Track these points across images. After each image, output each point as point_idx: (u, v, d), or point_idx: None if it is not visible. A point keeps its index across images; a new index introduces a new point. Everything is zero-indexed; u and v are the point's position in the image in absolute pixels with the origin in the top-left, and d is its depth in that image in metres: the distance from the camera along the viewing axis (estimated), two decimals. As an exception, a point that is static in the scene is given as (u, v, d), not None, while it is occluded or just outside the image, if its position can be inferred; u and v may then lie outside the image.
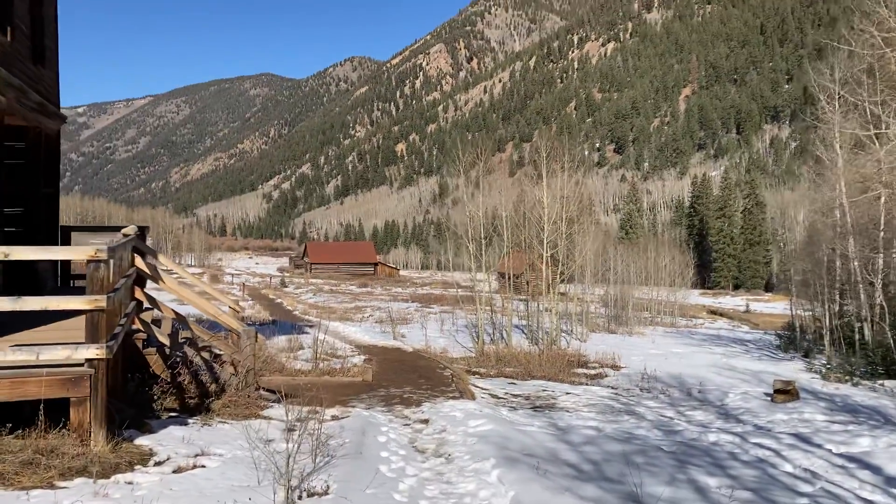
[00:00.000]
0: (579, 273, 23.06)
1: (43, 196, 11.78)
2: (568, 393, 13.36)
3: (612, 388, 14.88)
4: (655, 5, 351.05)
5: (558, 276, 19.92)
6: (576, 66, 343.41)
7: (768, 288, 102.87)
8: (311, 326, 24.50)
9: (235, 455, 6.90)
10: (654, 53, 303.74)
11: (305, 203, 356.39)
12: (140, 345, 9.28)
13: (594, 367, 17.43)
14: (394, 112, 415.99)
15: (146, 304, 9.59)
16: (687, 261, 52.67)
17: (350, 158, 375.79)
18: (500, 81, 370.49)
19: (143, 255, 11.85)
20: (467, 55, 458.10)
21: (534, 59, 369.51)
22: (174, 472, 6.26)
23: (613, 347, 21.23)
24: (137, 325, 9.21)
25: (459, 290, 30.82)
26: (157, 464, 6.38)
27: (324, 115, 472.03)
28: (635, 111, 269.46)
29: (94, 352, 6.22)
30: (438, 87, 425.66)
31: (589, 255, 22.72)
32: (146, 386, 8.54)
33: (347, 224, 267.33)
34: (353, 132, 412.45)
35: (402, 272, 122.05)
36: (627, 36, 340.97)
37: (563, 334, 22.92)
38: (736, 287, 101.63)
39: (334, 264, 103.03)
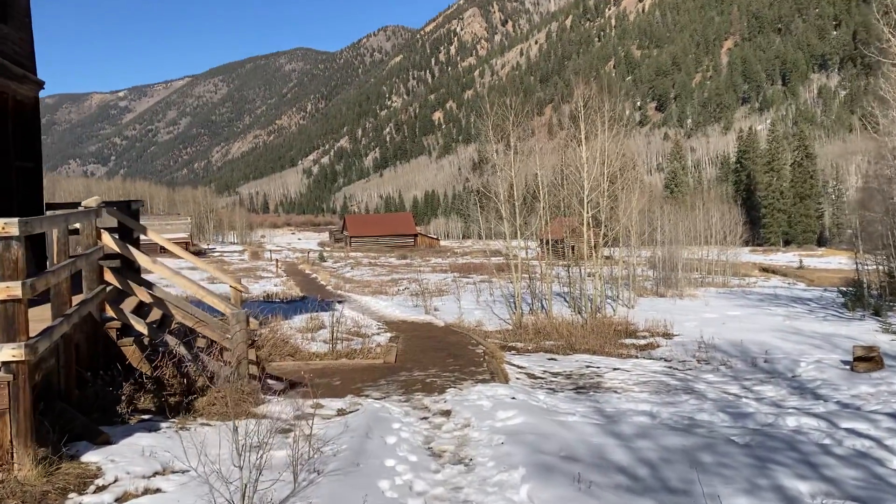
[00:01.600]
0: (624, 235, 21.35)
1: (17, 171, 10.58)
2: (616, 369, 11.84)
3: (666, 360, 13.32)
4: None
5: (601, 239, 18.26)
6: (613, 23, 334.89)
7: (821, 242, 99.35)
8: (340, 302, 23.30)
9: (204, 473, 5.58)
10: (693, 6, 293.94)
11: (345, 177, 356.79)
12: (115, 335, 8.04)
13: (644, 337, 15.83)
14: (429, 80, 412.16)
15: (134, 289, 8.30)
16: (736, 217, 50.24)
17: (387, 130, 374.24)
18: (536, 43, 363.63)
19: (127, 232, 10.62)
20: (502, 18, 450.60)
21: (570, 18, 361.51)
22: (116, 501, 4.96)
23: (664, 313, 19.55)
24: (110, 313, 7.96)
25: (497, 258, 29.30)
26: (99, 489, 5.09)
27: (359, 86, 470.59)
28: (676, 67, 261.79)
29: (9, 353, 4.92)
30: (474, 53, 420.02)
31: (634, 215, 20.97)
32: (116, 384, 7.28)
33: (387, 196, 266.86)
34: (389, 103, 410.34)
35: (442, 242, 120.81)
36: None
37: (609, 301, 21.31)
38: (786, 243, 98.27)
39: (373, 237, 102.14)
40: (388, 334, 15.08)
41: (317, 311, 18.10)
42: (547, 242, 19.48)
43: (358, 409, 7.99)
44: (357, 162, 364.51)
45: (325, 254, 75.28)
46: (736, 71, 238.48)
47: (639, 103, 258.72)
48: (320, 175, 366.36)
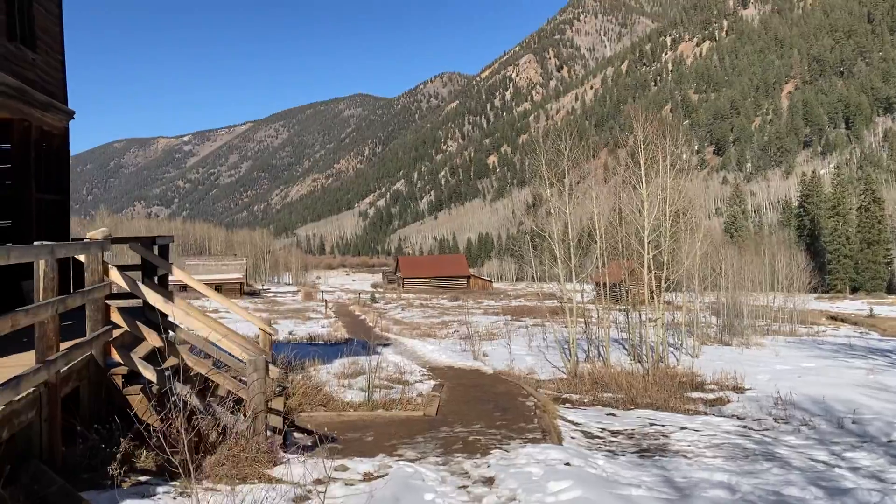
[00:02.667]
0: (686, 278, 19.97)
1: (42, 203, 10.02)
2: (683, 428, 10.53)
3: (739, 418, 11.94)
4: (752, 1, 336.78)
5: (663, 282, 16.97)
6: (670, 67, 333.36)
7: (890, 290, 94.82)
8: (385, 345, 22.38)
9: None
10: (752, 50, 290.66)
11: (400, 219, 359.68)
12: (120, 382, 7.22)
13: (712, 390, 14.43)
14: (485, 125, 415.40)
15: (169, 331, 7.51)
16: (801, 263, 48.00)
17: (442, 173, 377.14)
18: (591, 88, 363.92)
19: (151, 269, 9.93)
20: (557, 64, 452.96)
21: (626, 63, 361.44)
22: None
23: (732, 363, 18.06)
24: (116, 357, 7.15)
25: (551, 301, 28.10)
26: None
27: (416, 131, 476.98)
28: (734, 111, 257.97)
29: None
30: (529, 98, 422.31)
31: (697, 257, 19.63)
32: (113, 439, 6.42)
33: (441, 238, 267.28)
34: (444, 147, 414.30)
35: (495, 284, 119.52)
36: (723, 34, 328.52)
37: (671, 349, 19.88)
38: (854, 290, 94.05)
39: (426, 278, 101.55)
40: (432, 382, 14.04)
41: (358, 356, 17.18)
42: (604, 285, 18.27)
43: (388, 473, 6.96)
44: (412, 205, 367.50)
45: (376, 295, 74.82)
46: (797, 114, 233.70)
47: (696, 147, 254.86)
48: (376, 217, 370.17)
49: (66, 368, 6.13)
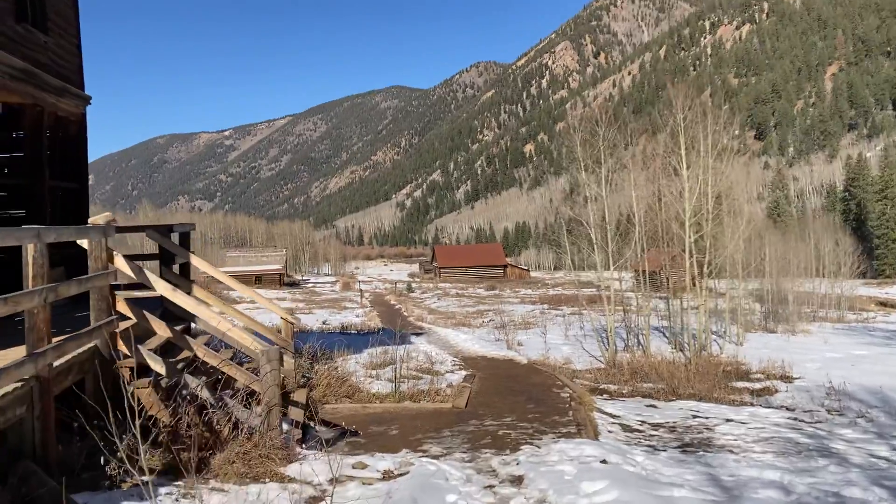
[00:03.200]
0: (729, 264, 19.13)
1: (57, 190, 9.75)
2: (729, 420, 9.88)
3: (788, 409, 11.23)
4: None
5: (705, 268, 16.21)
6: (709, 52, 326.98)
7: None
8: (418, 334, 21.97)
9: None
10: (794, 32, 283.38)
11: (437, 209, 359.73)
12: (128, 375, 6.86)
13: (758, 380, 13.70)
14: (521, 113, 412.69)
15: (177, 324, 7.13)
16: (848, 248, 46.38)
17: (479, 163, 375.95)
18: (629, 74, 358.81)
19: (168, 258, 9.60)
20: (594, 50, 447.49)
21: (664, 48, 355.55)
22: None
23: (778, 351, 17.26)
24: (123, 349, 6.80)
25: (589, 289, 27.43)
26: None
27: (451, 121, 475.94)
28: (776, 94, 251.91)
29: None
30: (565, 85, 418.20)
31: (740, 241, 18.79)
32: (115, 437, 6.06)
33: (478, 228, 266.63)
34: (480, 136, 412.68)
35: (533, 273, 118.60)
36: (763, 16, 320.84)
37: (714, 337, 19.11)
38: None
39: (463, 267, 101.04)
40: (463, 372, 13.55)
41: (389, 345, 16.77)
42: (643, 272, 17.54)
43: (409, 471, 6.49)
44: (449, 195, 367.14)
45: (413, 284, 74.61)
46: (841, 97, 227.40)
47: (737, 132, 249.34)
48: (413, 208, 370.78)
49: (63, 361, 5.79)
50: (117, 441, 6.06)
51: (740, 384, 13.10)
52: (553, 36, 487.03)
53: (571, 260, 16.22)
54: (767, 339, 21.07)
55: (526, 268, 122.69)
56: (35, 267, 5.16)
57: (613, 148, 15.51)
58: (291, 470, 6.38)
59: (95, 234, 6.39)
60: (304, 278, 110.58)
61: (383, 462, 6.82)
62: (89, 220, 6.66)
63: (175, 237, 10.43)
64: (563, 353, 17.25)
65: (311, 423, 8.82)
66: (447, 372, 13.52)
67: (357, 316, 30.26)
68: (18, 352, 6.00)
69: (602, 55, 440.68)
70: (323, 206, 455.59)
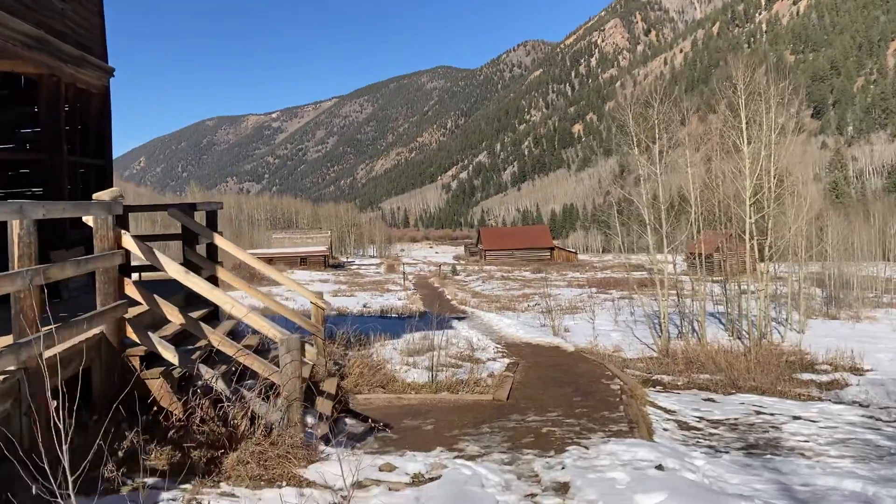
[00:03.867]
0: (793, 245, 17.99)
1: (78, 167, 9.30)
2: (796, 417, 9.01)
3: (862, 405, 10.28)
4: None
5: (766, 250, 15.16)
6: (764, 28, 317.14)
7: None
8: (460, 319, 21.31)
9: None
10: (854, 6, 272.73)
11: (483, 191, 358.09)
12: (137, 364, 6.34)
13: (825, 371, 12.72)
14: (569, 93, 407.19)
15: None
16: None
17: (526, 144, 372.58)
18: (681, 52, 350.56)
19: (192, 237, 9.08)
20: (644, 28, 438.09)
21: (717, 25, 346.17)
22: None
23: (844, 340, 16.14)
24: (132, 335, 6.27)
25: (640, 272, 26.43)
26: None
27: (498, 102, 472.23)
28: (835, 71, 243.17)
29: None
30: (615, 64, 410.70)
31: (804, 222, 17.62)
32: (118, 433, 5.54)
33: (525, 210, 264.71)
34: (528, 117, 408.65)
35: (580, 256, 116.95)
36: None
37: (773, 323, 18.03)
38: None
39: (508, 250, 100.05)
40: (506, 360, 12.85)
41: (430, 330, 16.14)
42: (699, 255, 16.55)
43: (440, 476, 5.83)
44: (495, 176, 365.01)
45: (458, 267, 74.03)
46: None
47: (803, 107, 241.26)
48: (459, 190, 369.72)
49: (60, 350, 5.26)
50: (121, 438, 5.55)
51: (806, 376, 12.15)
52: (602, 13, 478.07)
53: (622, 242, 15.33)
54: (831, 327, 19.88)
55: (573, 250, 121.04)
56: (21, 246, 4.62)
57: (668, 124, 14.52)
58: (311, 472, 5.77)
59: (99, 210, 5.84)
60: (348, 260, 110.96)
61: (413, 464, 6.17)
62: (94, 196, 6.12)
63: (201, 217, 9.94)
64: (613, 341, 16.43)
65: (341, 416, 8.25)
66: (489, 360, 12.85)
67: (399, 299, 29.77)
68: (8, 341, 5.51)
69: (653, 32, 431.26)
70: (369, 187, 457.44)
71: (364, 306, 25.21)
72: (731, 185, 15.08)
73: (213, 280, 9.37)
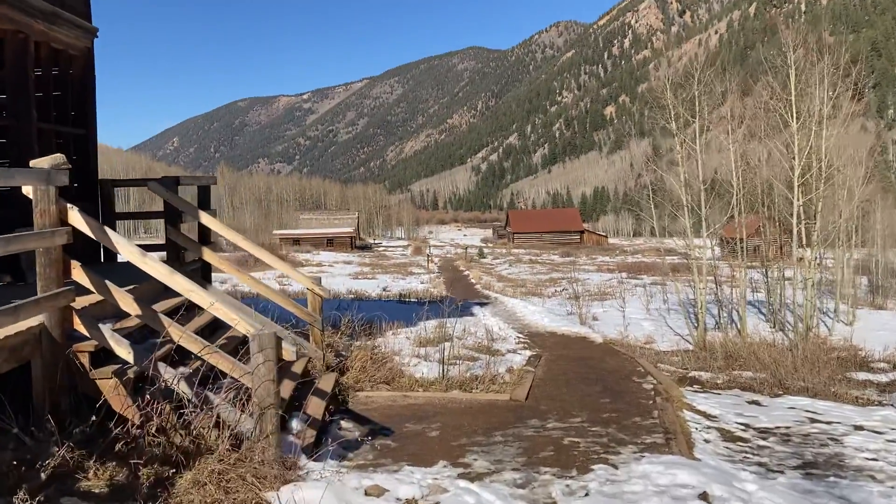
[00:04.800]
0: (844, 230, 16.66)
1: (46, 138, 8.40)
2: (858, 427, 7.87)
3: (930, 412, 9.07)
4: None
5: (815, 235, 13.89)
6: (803, 8, 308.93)
7: None
8: (482, 305, 20.31)
9: None
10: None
11: (513, 174, 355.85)
12: (87, 362, 5.42)
13: (883, 370, 11.50)
14: (602, 74, 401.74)
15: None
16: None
17: (557, 126, 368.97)
18: (716, 33, 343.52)
19: (175, 215, 8.17)
20: (679, 8, 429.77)
21: (753, 5, 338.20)
22: None
23: (898, 334, 14.85)
24: (80, 328, 5.35)
25: (672, 257, 25.20)
26: None
27: (529, 83, 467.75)
28: (876, 53, 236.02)
29: None
30: (649, 45, 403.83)
31: (856, 206, 16.30)
32: (49, 442, 4.62)
33: (555, 192, 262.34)
34: (559, 98, 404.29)
35: (611, 240, 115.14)
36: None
37: (819, 314, 16.74)
38: None
39: (537, 233, 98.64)
40: (528, 352, 11.84)
41: (449, 317, 15.19)
42: (740, 239, 15.31)
43: (439, 502, 4.85)
44: (525, 158, 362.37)
45: (485, 250, 72.96)
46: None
47: (831, 93, 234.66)
48: (488, 172, 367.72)
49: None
50: (50, 451, 4.63)
51: (862, 376, 10.95)
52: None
53: (656, 225, 14.17)
54: (881, 318, 18.51)
55: (604, 234, 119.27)
56: None
57: (709, 95, 13.28)
58: (285, 495, 4.81)
59: (34, 179, 4.90)
60: (375, 241, 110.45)
61: (407, 487, 5.18)
62: (31, 163, 5.18)
63: (192, 194, 9.03)
64: (645, 331, 15.32)
65: (336, 418, 7.31)
66: (509, 351, 11.83)
67: (422, 283, 28.84)
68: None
69: (688, 13, 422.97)
70: (398, 169, 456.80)
71: (384, 290, 24.32)
72: (778, 166, 13.81)
73: (201, 263, 8.46)
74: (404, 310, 15.90)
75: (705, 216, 13.13)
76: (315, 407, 6.93)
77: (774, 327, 15.29)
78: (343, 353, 9.57)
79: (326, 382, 7.78)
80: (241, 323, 5.41)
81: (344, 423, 7.18)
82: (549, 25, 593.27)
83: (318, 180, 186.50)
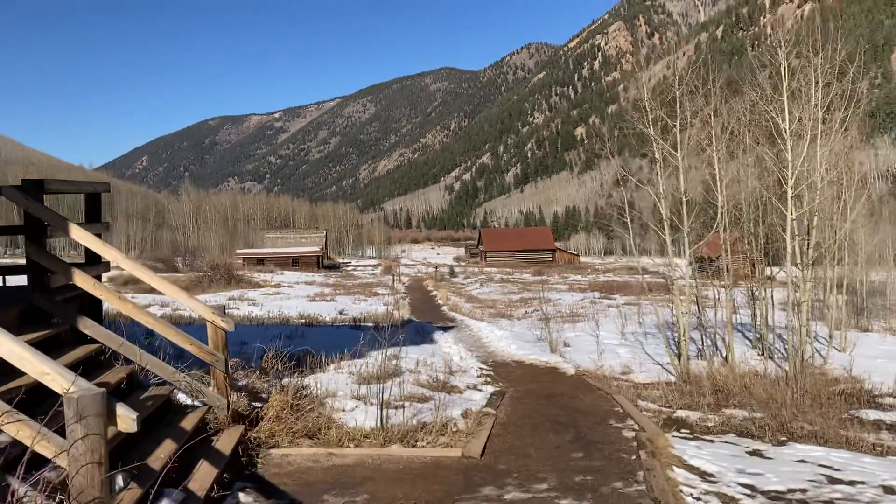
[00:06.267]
0: (847, 246, 15.43)
1: None
2: (889, 490, 6.38)
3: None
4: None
5: (808, 251, 12.51)
6: (768, 31, 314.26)
7: None
8: (446, 329, 18.72)
9: None
10: (859, 10, 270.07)
11: (486, 193, 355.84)
12: None
13: (892, 406, 10.08)
14: (572, 95, 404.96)
15: None
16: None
17: (529, 146, 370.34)
18: (684, 55, 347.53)
19: (39, 228, 6.51)
20: (648, 31, 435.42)
21: (721, 28, 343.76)
22: None
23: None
24: None
25: (647, 276, 23.83)
26: None
27: (502, 104, 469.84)
28: (842, 75, 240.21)
29: None
30: (618, 67, 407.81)
31: (859, 216, 15.15)
32: None
33: (528, 212, 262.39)
34: (531, 119, 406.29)
35: (582, 258, 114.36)
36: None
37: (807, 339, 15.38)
38: None
39: (509, 251, 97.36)
40: (489, 388, 10.27)
41: (406, 345, 13.57)
42: (710, 259, 14.02)
43: None
44: (498, 178, 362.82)
45: (456, 269, 71.45)
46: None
47: (798, 115, 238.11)
48: (461, 191, 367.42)
49: None
50: None
51: (872, 415, 9.52)
52: (606, 16, 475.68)
53: (632, 241, 12.72)
54: (871, 342, 17.26)
55: (575, 252, 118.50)
56: None
57: (690, 97, 11.93)
58: None
59: None
60: (344, 261, 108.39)
61: None
62: None
63: (79, 203, 7.36)
64: (621, 359, 13.83)
65: (237, 489, 5.67)
66: (468, 387, 10.25)
67: (384, 304, 27.16)
68: None
69: (657, 36, 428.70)
70: (371, 188, 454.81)
71: (340, 313, 22.60)
72: (769, 176, 12.49)
73: (71, 289, 6.77)
74: (353, 337, 14.21)
75: (687, 231, 11.71)
76: (202, 479, 5.29)
77: (763, 354, 13.92)
78: (264, 395, 7.94)
79: (226, 440, 6.13)
80: (54, 378, 3.77)
81: (243, 498, 5.54)
82: (521, 47, 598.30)
83: (287, 198, 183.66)
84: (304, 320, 19.06)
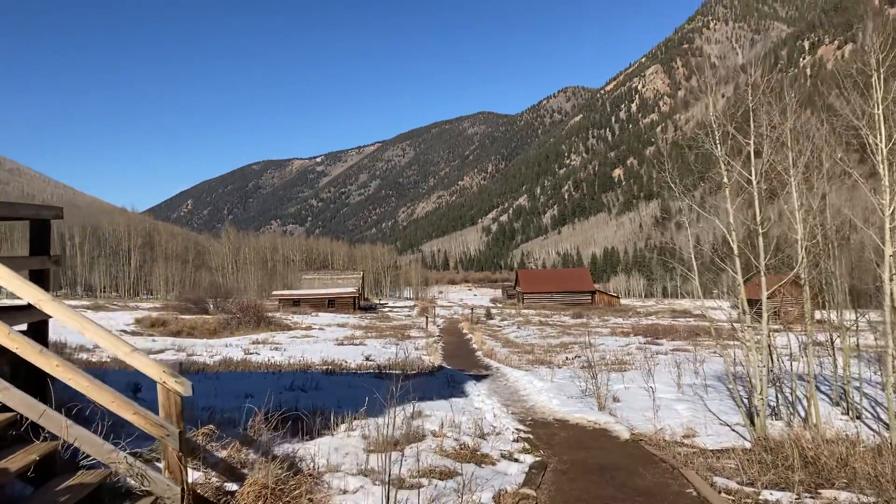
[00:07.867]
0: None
1: None
2: None
3: None
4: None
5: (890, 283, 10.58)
6: (808, 73, 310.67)
7: None
8: (479, 379, 16.96)
9: None
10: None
11: (523, 234, 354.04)
12: None
13: None
14: (609, 138, 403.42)
15: None
16: None
17: (566, 187, 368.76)
18: (723, 97, 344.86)
19: None
20: (685, 73, 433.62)
21: (759, 70, 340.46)
22: None
23: None
24: None
25: (686, 318, 21.83)
26: None
27: (539, 146, 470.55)
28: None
29: None
30: (656, 109, 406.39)
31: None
32: None
33: (565, 253, 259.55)
34: (568, 161, 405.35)
35: (622, 300, 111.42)
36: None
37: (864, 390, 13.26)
38: None
39: (547, 293, 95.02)
40: (529, 458, 8.49)
41: (433, 399, 11.87)
42: (806, 300, 11.98)
43: None
44: (535, 219, 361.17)
45: (493, 311, 69.51)
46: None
47: (840, 155, 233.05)
48: (499, 233, 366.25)
49: None
50: None
51: None
52: (643, 60, 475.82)
53: (696, 278, 10.91)
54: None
55: (615, 294, 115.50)
56: None
57: (769, 108, 10.24)
58: None
59: None
60: (381, 302, 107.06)
61: None
62: None
63: (25, 232, 5.91)
64: (681, 417, 11.92)
65: None
66: (503, 456, 8.49)
67: (416, 348, 25.49)
68: None
69: (693, 78, 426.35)
70: (410, 230, 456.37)
71: (367, 359, 20.96)
72: (853, 206, 10.67)
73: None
74: (378, 387, 12.57)
75: (764, 269, 9.90)
76: None
77: (849, 414, 11.89)
78: (246, 470, 6.32)
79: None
80: None
81: None
82: (557, 91, 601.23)
83: (326, 240, 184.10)
84: (326, 367, 17.49)
